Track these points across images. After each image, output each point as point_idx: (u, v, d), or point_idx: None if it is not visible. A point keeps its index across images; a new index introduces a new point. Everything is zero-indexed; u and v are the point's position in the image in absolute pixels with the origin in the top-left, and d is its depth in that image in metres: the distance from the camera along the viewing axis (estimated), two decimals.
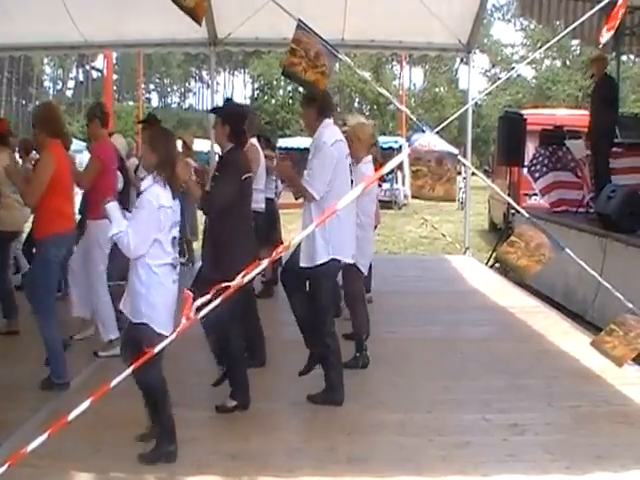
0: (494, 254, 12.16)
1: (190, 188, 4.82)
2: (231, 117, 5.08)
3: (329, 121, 5.19)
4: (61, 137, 5.54)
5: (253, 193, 5.66)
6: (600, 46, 7.14)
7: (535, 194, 13.11)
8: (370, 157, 6.14)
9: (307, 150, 5.34)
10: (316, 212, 4.96)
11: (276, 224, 8.68)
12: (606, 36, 3.73)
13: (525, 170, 13.39)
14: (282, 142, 28.34)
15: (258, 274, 3.77)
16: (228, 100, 5.74)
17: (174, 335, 3.52)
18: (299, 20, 4.26)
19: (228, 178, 4.90)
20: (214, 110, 5.53)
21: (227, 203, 4.82)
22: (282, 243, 8.67)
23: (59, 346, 5.26)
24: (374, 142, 6.67)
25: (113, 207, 4.07)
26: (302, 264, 5.06)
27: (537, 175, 11.65)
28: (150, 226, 3.96)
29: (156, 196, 3.99)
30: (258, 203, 6.41)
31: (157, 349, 3.57)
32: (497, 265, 11.84)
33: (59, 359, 5.23)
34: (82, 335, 6.42)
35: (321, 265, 5.01)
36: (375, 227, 8.34)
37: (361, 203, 5.55)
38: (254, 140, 6.21)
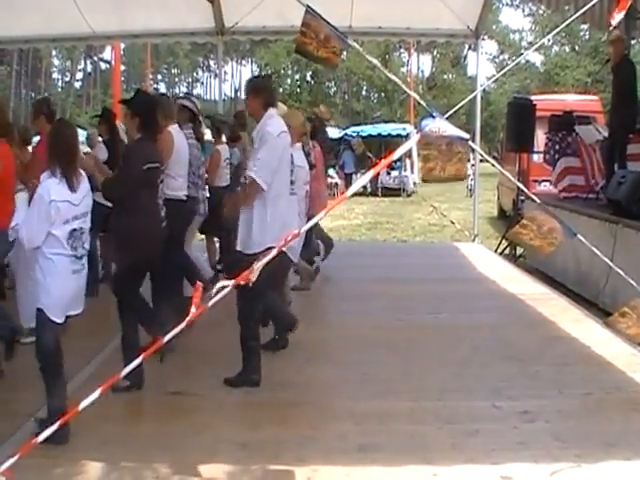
0: (503, 241, 12.13)
1: (95, 179, 5.00)
2: (140, 108, 5.14)
3: (273, 111, 5.22)
4: (6, 135, 5.55)
5: (173, 181, 5.87)
6: (611, 28, 7.04)
7: (545, 180, 13.06)
8: (299, 144, 6.21)
9: None
10: (259, 200, 5.03)
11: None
12: (617, 17, 3.69)
13: (536, 157, 13.37)
14: None
15: (268, 262, 3.76)
16: (138, 90, 5.81)
17: (183, 324, 3.52)
18: (307, 6, 4.23)
19: (126, 168, 5.02)
20: (123, 102, 5.56)
21: (124, 191, 4.91)
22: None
23: None
24: (305, 131, 6.74)
25: (21, 198, 4.14)
26: (238, 248, 5.16)
27: (552, 163, 11.60)
28: (41, 220, 3.98)
29: (47, 191, 4.00)
30: (178, 191, 6.29)
31: (166, 339, 3.58)
32: (506, 252, 11.81)
33: None
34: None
35: (256, 253, 4.85)
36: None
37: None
38: (172, 127, 6.11)
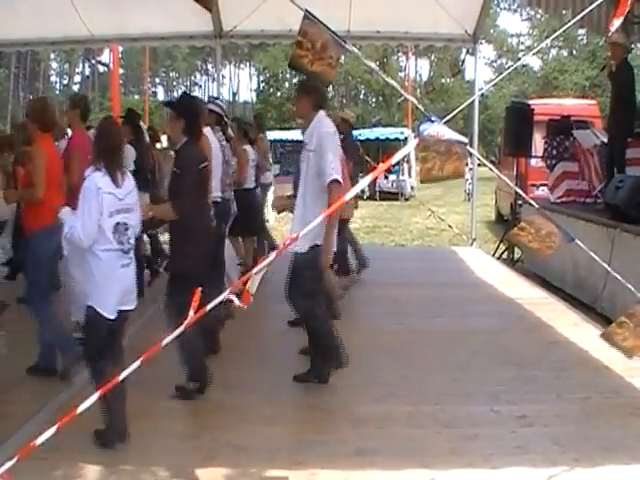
0: (501, 245, 12.14)
1: (161, 217, 4.99)
2: (186, 111, 5.11)
3: (324, 112, 5.26)
4: (52, 131, 5.65)
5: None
6: (610, 34, 7.05)
7: (543, 185, 13.07)
8: None
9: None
10: (320, 198, 5.04)
11: (253, 214, 8.45)
12: (616, 24, 3.70)
13: (533, 162, 13.38)
14: (288, 135, 28.17)
15: (265, 267, 3.76)
16: (185, 94, 5.83)
17: (182, 328, 3.53)
18: (306, 10, 4.22)
19: (186, 174, 4.95)
20: (167, 104, 5.54)
21: (192, 197, 4.90)
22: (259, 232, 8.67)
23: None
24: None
25: (66, 212, 4.25)
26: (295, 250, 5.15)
27: (551, 168, 11.60)
28: (92, 212, 4.05)
29: (94, 182, 4.10)
30: (212, 193, 6.33)
31: (164, 342, 3.58)
32: (504, 256, 11.81)
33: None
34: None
35: (310, 250, 5.03)
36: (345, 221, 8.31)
37: None
38: (205, 130, 6.16)
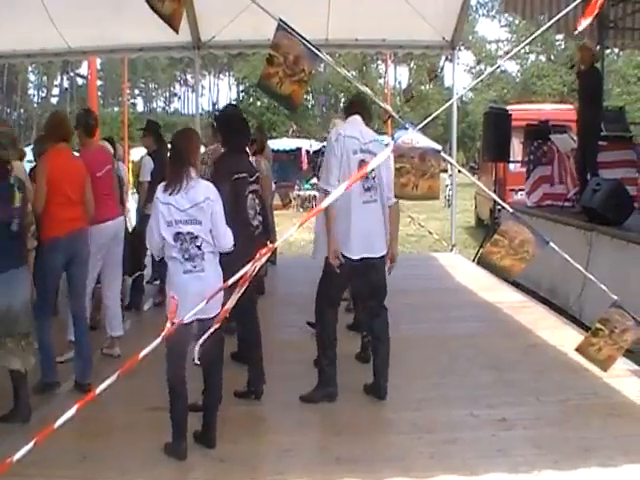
0: (480, 253, 12.18)
1: None
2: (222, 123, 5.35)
3: (351, 118, 5.27)
4: (66, 141, 5.54)
5: None
6: (576, 33, 7.14)
7: (522, 189, 13.15)
8: None
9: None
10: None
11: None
12: (583, 23, 3.74)
13: (512, 166, 13.46)
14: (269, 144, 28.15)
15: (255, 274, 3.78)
16: (228, 106, 5.91)
17: (159, 339, 3.52)
18: (280, 20, 4.22)
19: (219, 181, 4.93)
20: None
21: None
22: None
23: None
24: None
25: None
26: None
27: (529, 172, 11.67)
28: (154, 219, 4.19)
29: (158, 192, 4.24)
30: None
31: (142, 353, 3.58)
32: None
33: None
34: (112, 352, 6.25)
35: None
36: None
37: None
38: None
